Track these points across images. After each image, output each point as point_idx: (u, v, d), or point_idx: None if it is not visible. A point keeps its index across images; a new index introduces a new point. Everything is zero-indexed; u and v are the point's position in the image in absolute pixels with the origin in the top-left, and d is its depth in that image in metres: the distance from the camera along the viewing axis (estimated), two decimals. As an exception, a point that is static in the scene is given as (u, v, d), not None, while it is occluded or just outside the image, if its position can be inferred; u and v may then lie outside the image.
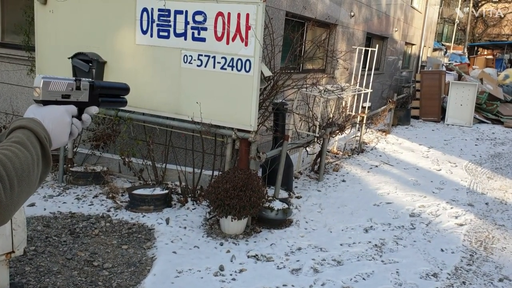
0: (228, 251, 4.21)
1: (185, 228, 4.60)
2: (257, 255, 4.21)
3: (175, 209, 5.03)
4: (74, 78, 1.13)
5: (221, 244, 4.35)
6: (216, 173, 5.17)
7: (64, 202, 5.00)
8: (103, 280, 3.58)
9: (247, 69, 4.37)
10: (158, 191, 5.07)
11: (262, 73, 4.49)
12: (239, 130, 4.74)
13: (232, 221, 4.49)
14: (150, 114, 5.13)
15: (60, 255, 3.89)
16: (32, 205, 4.84)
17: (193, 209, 5.04)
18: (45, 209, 4.78)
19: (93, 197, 5.19)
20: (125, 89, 1.24)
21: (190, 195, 5.23)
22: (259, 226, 4.81)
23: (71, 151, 5.74)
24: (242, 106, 4.57)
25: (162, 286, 3.56)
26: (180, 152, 5.71)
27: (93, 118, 5.80)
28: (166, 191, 5.12)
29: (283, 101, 5.83)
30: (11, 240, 2.08)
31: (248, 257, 4.16)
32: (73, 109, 1.15)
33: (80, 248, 4.04)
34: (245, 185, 4.48)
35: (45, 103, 1.09)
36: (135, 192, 5.00)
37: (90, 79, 1.15)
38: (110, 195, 5.20)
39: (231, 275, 3.83)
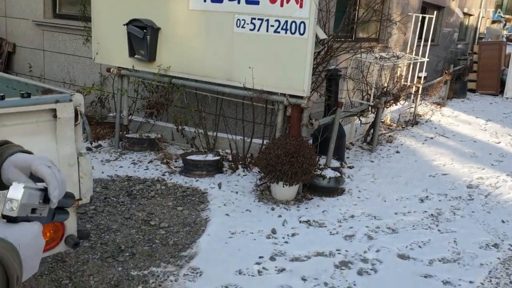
0: (280, 216, 4.22)
1: (236, 192, 4.64)
2: (309, 220, 4.19)
3: (226, 175, 5.08)
4: (40, 187, 0.89)
5: (273, 209, 4.36)
6: (266, 142, 5.15)
7: (121, 166, 5.15)
8: (160, 238, 3.68)
9: (301, 31, 4.28)
10: (210, 157, 5.13)
11: (316, 36, 4.39)
12: (291, 96, 4.68)
13: (283, 187, 4.48)
14: (202, 81, 5.16)
15: (118, 214, 4.02)
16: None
17: (243, 175, 5.07)
18: (103, 172, 4.95)
19: (148, 162, 5.31)
20: (70, 204, 1.01)
21: (240, 162, 5.26)
22: (310, 194, 4.77)
23: (126, 118, 5.88)
24: (295, 71, 4.50)
25: (216, 245, 3.62)
26: (231, 121, 5.73)
27: (147, 86, 5.91)
28: (218, 158, 5.17)
29: (337, 67, 5.70)
30: (78, 187, 2.16)
31: (300, 222, 4.15)
32: (42, 227, 0.90)
33: (137, 209, 4.16)
34: (297, 152, 4.44)
35: (17, 221, 0.85)
36: (189, 157, 5.07)
37: (42, 187, 0.90)
38: (164, 160, 5.31)
39: (283, 238, 3.84)
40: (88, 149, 5.59)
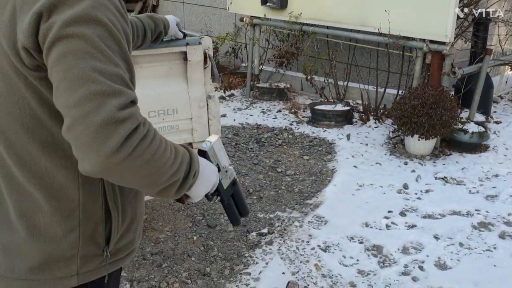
0: (413, 171, 3.96)
1: (366, 145, 4.45)
2: (445, 177, 3.87)
3: (356, 126, 4.89)
4: (229, 161, 1.17)
5: (405, 164, 4.10)
6: (401, 92, 4.81)
7: (251, 115, 5.26)
8: (285, 185, 3.71)
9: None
10: (339, 107, 4.97)
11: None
12: (431, 41, 4.27)
13: (419, 140, 4.17)
14: (334, 27, 4.95)
15: (247, 160, 4.13)
16: (224, 115, 5.20)
17: (375, 127, 4.84)
18: (234, 120, 5.10)
19: (276, 112, 5.35)
20: (247, 211, 1.26)
21: (372, 113, 5.01)
22: (448, 149, 4.39)
23: (257, 68, 5.95)
24: (436, 13, 4.07)
25: (342, 196, 3.53)
26: (363, 70, 5.45)
27: (278, 35, 5.87)
28: (348, 108, 4.99)
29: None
30: (207, 129, 2.23)
31: (436, 178, 3.85)
32: (217, 180, 1.15)
33: (265, 156, 4.23)
34: (436, 103, 4.07)
35: (205, 156, 1.10)
36: (317, 107, 4.98)
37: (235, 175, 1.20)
38: (293, 110, 5.29)
39: (415, 194, 3.61)
40: (222, 97, 5.80)
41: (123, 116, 0.88)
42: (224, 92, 5.88)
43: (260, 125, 4.98)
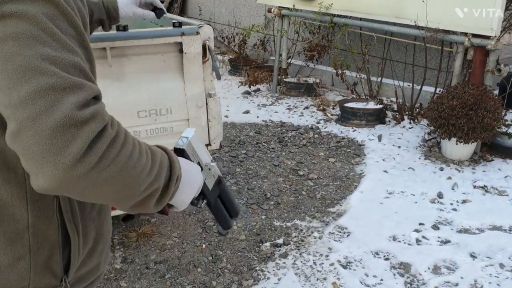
0: (449, 178, 3.60)
1: (399, 147, 4.11)
2: (486, 186, 3.49)
3: (388, 126, 4.54)
4: (211, 157, 1.00)
5: (441, 169, 3.74)
6: (439, 90, 4.43)
7: (276, 112, 4.99)
8: (307, 190, 3.43)
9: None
10: (371, 105, 4.63)
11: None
12: (474, 35, 3.88)
13: (456, 144, 3.79)
14: (367, 19, 4.60)
15: (268, 161, 3.87)
16: (247, 112, 4.95)
17: (409, 128, 4.47)
18: (258, 117, 4.85)
19: (303, 108, 5.05)
20: (238, 211, 1.09)
21: (407, 112, 4.65)
22: (490, 154, 3.99)
23: (285, 62, 5.66)
24: (481, 4, 3.68)
25: (369, 204, 3.23)
26: (398, 66, 5.08)
27: (308, 27, 5.56)
28: (380, 106, 4.64)
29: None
30: (207, 131, 1.97)
31: (474, 187, 3.48)
32: (202, 180, 0.96)
33: (287, 157, 3.96)
34: (477, 103, 3.69)
35: (183, 155, 0.93)
36: (347, 105, 4.66)
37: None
38: (321, 107, 4.98)
39: (451, 204, 3.26)
40: (247, 93, 5.55)
41: (84, 116, 0.68)
42: (249, 87, 5.63)
43: (284, 122, 4.71)
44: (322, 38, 5.41)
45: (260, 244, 2.78)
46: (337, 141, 4.26)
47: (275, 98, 5.38)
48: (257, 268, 2.57)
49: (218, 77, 1.89)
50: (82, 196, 0.75)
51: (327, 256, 2.69)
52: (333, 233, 2.92)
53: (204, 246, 2.75)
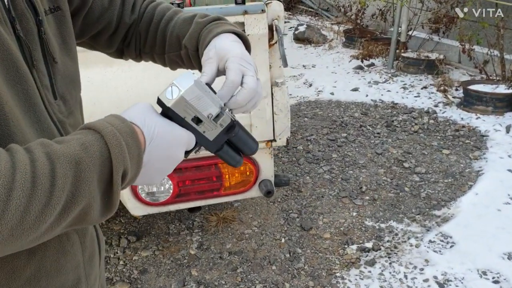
0: None
1: (532, 142, 3.45)
2: None
3: (523, 115, 3.84)
4: (221, 104, 0.72)
5: None
6: None
7: (388, 90, 4.52)
8: (410, 186, 3.02)
9: None
10: (501, 89, 3.95)
11: None
12: None
13: None
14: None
15: (370, 148, 3.50)
16: (356, 89, 4.56)
17: (550, 118, 3.74)
18: (367, 95, 4.43)
19: (421, 88, 4.51)
20: (253, 150, 0.83)
21: (549, 99, 3.88)
22: None
23: (404, 34, 5.09)
24: None
25: (483, 210, 2.73)
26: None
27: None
28: (514, 91, 3.94)
29: None
30: (271, 126, 1.70)
31: None
32: (193, 142, 0.71)
33: (393, 144, 3.54)
34: None
35: (169, 116, 0.68)
36: (471, 87, 4.03)
37: (233, 115, 0.76)
38: (442, 87, 4.39)
39: None
40: (359, 67, 5.12)
41: None
42: (362, 61, 5.18)
43: (396, 104, 4.24)
44: (451, 8, 4.73)
45: (346, 246, 2.49)
46: (455, 129, 3.71)
47: (389, 75, 4.88)
48: (338, 275, 2.31)
49: (285, 64, 1.61)
50: None
51: (421, 269, 2.32)
52: (433, 241, 2.51)
53: (283, 240, 2.55)
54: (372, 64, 5.20)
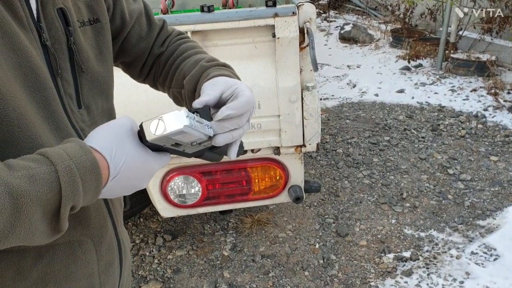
0: None
1: None
2: None
3: None
4: (210, 134, 0.70)
5: None
6: None
7: (436, 93, 4.36)
8: (454, 194, 2.89)
9: None
10: (560, 93, 3.71)
11: None
12: None
13: None
14: None
15: (413, 152, 3.38)
16: (401, 91, 4.43)
17: None
18: (413, 98, 4.29)
19: (470, 91, 4.31)
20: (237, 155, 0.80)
21: None
22: None
23: (454, 34, 4.89)
24: None
25: (533, 223, 2.58)
26: None
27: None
28: None
29: None
30: (301, 130, 1.66)
31: None
32: (166, 162, 0.71)
33: (438, 149, 3.41)
34: None
35: (149, 146, 0.67)
36: (526, 90, 3.82)
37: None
38: (493, 90, 4.18)
39: None
40: (406, 68, 4.97)
41: None
42: (409, 61, 5.02)
43: (443, 107, 4.07)
44: (506, 7, 4.50)
45: (382, 255, 2.42)
46: (505, 134, 3.53)
47: (437, 77, 4.70)
48: (372, 284, 2.24)
49: (315, 68, 1.57)
50: None
51: (461, 282, 2.21)
52: (476, 253, 2.40)
53: (317, 246, 2.50)
54: (420, 65, 5.03)
